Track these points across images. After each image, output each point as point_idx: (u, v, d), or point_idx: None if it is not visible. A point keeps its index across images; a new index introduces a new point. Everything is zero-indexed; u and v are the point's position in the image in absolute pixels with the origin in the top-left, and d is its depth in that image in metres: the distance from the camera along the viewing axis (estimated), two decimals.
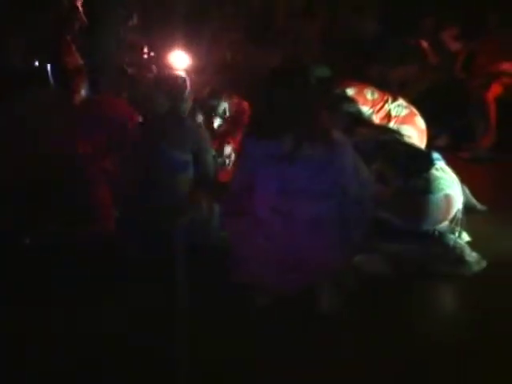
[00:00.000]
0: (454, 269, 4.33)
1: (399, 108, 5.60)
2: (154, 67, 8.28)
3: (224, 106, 5.99)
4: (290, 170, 3.75)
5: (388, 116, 5.56)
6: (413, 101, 7.21)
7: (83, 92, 6.77)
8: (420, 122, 5.61)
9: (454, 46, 8.24)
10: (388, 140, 4.88)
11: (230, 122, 6.02)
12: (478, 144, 7.00)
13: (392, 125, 5.49)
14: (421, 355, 3.56)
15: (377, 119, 5.50)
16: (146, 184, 4.68)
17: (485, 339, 3.67)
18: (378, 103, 5.57)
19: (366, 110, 5.46)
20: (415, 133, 5.49)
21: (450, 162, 5.05)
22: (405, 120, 5.55)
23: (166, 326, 3.77)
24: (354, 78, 5.98)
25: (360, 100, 5.46)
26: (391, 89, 7.64)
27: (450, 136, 7.28)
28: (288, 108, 3.79)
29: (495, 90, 7.15)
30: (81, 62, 7.08)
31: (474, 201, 5.21)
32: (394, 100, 5.65)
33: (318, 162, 3.73)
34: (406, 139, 5.17)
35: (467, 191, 5.14)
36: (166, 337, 3.69)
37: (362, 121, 5.17)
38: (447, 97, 7.44)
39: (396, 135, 5.09)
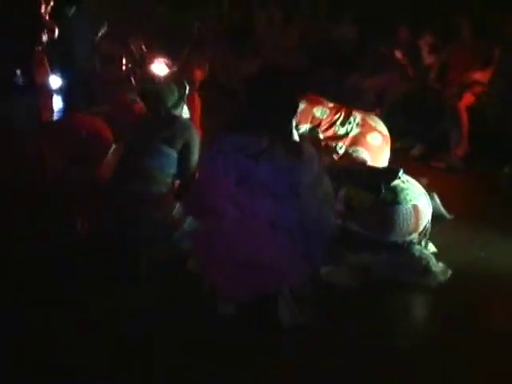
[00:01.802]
0: (420, 279, 4.43)
1: (349, 126, 5.56)
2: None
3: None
4: (255, 166, 3.88)
5: (336, 137, 5.56)
6: (388, 110, 7.46)
7: (52, 106, 6.91)
8: (373, 139, 5.56)
9: (430, 55, 8.40)
10: (350, 166, 5.09)
11: None
12: (451, 154, 7.16)
13: (341, 145, 5.52)
14: (388, 364, 3.65)
15: (323, 138, 5.54)
16: (131, 171, 4.89)
17: (448, 347, 3.79)
18: (326, 123, 5.56)
19: (309, 127, 5.52)
20: (367, 154, 5.49)
21: (424, 172, 5.21)
22: (355, 141, 5.52)
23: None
24: (316, 92, 5.95)
25: (305, 119, 5.49)
26: (367, 98, 7.86)
27: (424, 146, 7.44)
28: (269, 108, 3.97)
29: (468, 99, 7.31)
30: (51, 74, 7.18)
31: (442, 210, 5.35)
32: (347, 118, 5.60)
33: (281, 164, 3.87)
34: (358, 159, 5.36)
35: (437, 200, 5.31)
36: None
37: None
38: (422, 107, 7.60)
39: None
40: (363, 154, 5.48)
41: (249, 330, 3.91)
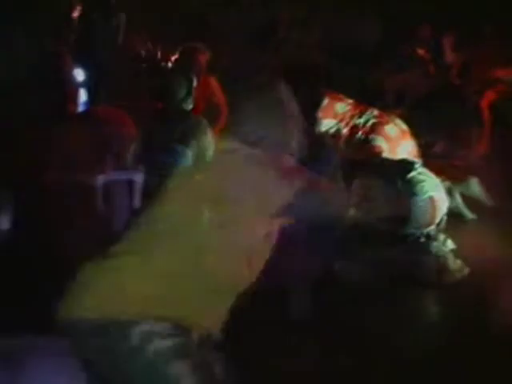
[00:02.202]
0: (437, 276, 4.46)
1: (366, 117, 5.60)
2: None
3: None
4: None
5: (355, 128, 5.60)
6: (409, 108, 7.42)
7: (79, 103, 6.95)
8: (390, 130, 5.57)
9: (452, 53, 8.38)
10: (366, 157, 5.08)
11: None
12: (472, 151, 7.13)
13: (359, 135, 5.55)
14: (401, 362, 3.65)
15: (345, 132, 5.60)
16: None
17: (463, 346, 3.78)
18: (348, 117, 5.63)
19: (333, 123, 5.57)
20: (384, 142, 5.48)
21: (444, 170, 5.20)
22: (373, 129, 5.54)
23: None
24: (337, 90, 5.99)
25: (328, 114, 5.56)
26: (388, 96, 7.84)
27: (445, 143, 7.42)
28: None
29: (490, 96, 7.29)
30: (76, 72, 7.25)
31: (464, 209, 5.35)
32: (363, 113, 5.66)
33: None
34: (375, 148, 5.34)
35: (459, 199, 5.30)
36: None
37: None
38: (443, 103, 7.59)
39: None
40: (381, 142, 5.46)
41: (255, 325, 3.90)
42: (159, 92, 5.26)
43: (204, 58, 6.61)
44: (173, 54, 7.98)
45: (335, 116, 5.61)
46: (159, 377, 2.19)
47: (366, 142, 5.49)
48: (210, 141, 4.99)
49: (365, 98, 6.08)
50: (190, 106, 5.23)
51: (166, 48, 8.71)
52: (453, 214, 4.89)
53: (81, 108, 7.45)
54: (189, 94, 5.19)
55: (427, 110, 7.37)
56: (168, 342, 2.20)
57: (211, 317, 2.34)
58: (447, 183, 5.18)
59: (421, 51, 8.34)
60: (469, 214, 5.37)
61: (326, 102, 5.57)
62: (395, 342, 3.87)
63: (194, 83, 5.28)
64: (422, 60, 8.29)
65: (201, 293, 2.29)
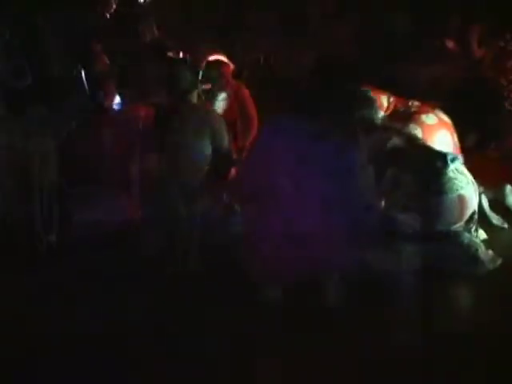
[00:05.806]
0: (468, 267, 4.43)
1: (407, 108, 5.63)
2: None
3: None
4: (315, 145, 3.99)
5: (397, 118, 5.58)
6: (443, 100, 7.37)
7: (115, 97, 7.06)
8: (427, 119, 5.48)
9: (480, 46, 8.29)
10: (401, 145, 5.02)
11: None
12: (506, 142, 7.07)
13: (397, 125, 5.47)
14: (432, 352, 3.69)
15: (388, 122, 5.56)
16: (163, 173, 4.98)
17: (494, 336, 3.79)
18: (391, 109, 5.65)
19: (382, 115, 5.52)
20: (417, 129, 5.38)
21: (477, 161, 5.18)
22: (409, 119, 5.51)
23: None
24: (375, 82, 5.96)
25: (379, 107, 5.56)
26: (420, 88, 7.79)
27: (479, 134, 7.36)
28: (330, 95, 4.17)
29: None
30: (109, 66, 7.35)
31: (491, 214, 5.30)
32: (405, 104, 5.71)
33: (340, 146, 4.00)
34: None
35: (485, 204, 5.26)
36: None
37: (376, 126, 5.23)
38: (476, 95, 7.53)
39: (407, 137, 5.17)
40: (416, 130, 5.39)
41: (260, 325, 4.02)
42: (166, 80, 5.28)
43: (228, 69, 6.59)
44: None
45: (382, 108, 5.59)
46: None
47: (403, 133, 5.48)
48: (223, 129, 5.09)
49: (398, 91, 6.09)
50: (195, 100, 5.23)
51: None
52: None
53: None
54: (193, 86, 5.18)
55: (460, 102, 7.33)
56: None
57: None
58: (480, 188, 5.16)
59: (450, 43, 8.28)
60: (495, 220, 5.30)
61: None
62: (426, 332, 3.88)
63: (200, 76, 5.38)
64: (452, 52, 8.24)
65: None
